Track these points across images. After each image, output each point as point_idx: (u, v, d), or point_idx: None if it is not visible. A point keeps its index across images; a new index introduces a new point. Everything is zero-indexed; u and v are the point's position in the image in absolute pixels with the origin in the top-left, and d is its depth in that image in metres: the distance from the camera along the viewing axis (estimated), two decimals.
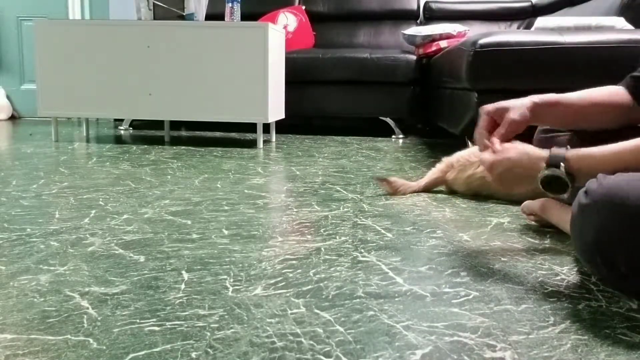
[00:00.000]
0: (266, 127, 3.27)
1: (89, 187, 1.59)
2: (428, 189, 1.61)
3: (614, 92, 1.00)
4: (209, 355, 0.62)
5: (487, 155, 0.94)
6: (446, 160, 1.60)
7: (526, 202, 1.25)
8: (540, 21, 2.08)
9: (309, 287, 0.83)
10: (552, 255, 1.01)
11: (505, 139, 0.95)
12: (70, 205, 1.35)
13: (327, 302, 0.78)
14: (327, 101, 3.29)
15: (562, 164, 0.85)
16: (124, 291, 0.80)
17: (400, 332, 0.68)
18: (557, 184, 0.87)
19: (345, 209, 1.36)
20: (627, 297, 0.81)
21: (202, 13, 2.77)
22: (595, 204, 0.77)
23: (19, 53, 4.39)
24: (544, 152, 0.89)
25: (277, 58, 2.73)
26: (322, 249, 1.03)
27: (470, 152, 1.56)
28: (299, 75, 3.24)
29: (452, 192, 1.59)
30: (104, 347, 0.63)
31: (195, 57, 2.55)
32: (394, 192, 1.57)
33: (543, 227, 1.21)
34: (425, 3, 3.90)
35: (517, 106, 0.95)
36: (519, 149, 0.92)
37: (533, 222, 1.24)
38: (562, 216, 1.16)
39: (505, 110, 0.96)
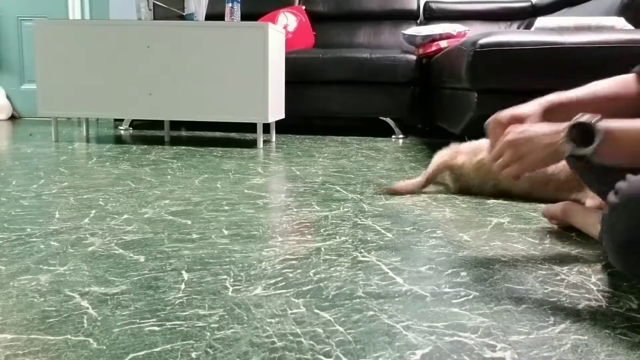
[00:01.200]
0: (266, 127, 3.28)
1: (89, 187, 1.59)
2: (435, 176, 1.58)
3: (623, 82, 0.98)
4: (209, 355, 0.62)
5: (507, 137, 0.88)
6: (453, 147, 1.57)
7: (547, 206, 1.24)
8: (540, 21, 2.08)
9: (309, 287, 0.83)
10: (552, 255, 1.01)
11: None
12: (70, 205, 1.35)
13: (327, 302, 0.78)
14: (327, 101, 3.29)
15: (595, 117, 0.80)
16: (124, 291, 0.80)
17: (400, 332, 0.68)
18: (586, 132, 0.79)
19: (345, 209, 1.36)
20: (627, 297, 0.81)
21: (202, 13, 2.77)
22: (627, 202, 0.74)
23: (19, 53, 4.39)
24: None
25: (277, 58, 2.73)
26: (322, 249, 1.03)
27: (481, 141, 1.54)
28: (299, 75, 3.24)
29: (451, 192, 1.59)
30: (104, 347, 0.63)
31: (195, 57, 2.55)
32: (406, 193, 1.56)
33: (565, 231, 1.19)
34: (425, 3, 3.90)
35: (531, 114, 0.93)
36: (534, 124, 0.87)
37: (555, 226, 1.22)
38: (586, 220, 1.13)
39: (520, 119, 0.92)
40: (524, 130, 0.86)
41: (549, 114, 0.94)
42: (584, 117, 0.80)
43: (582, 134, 0.80)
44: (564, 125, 0.83)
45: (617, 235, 0.77)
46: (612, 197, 0.78)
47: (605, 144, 0.79)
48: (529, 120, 0.92)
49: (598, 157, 0.80)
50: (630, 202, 0.75)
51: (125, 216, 1.25)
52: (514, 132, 0.87)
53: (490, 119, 0.96)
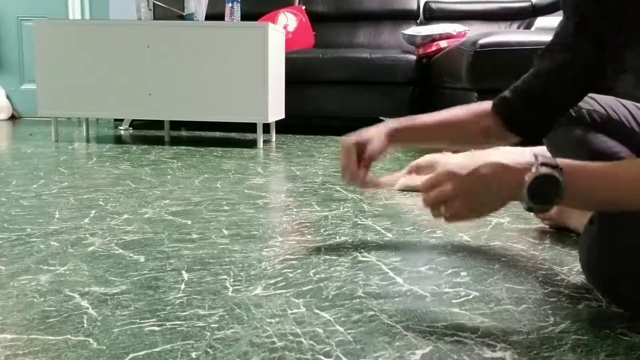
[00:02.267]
0: (266, 127, 3.27)
1: (89, 187, 1.59)
2: (419, 168, 1.59)
3: (478, 111, 0.96)
4: (209, 355, 0.62)
5: (449, 180, 0.74)
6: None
7: None
8: (540, 21, 2.08)
9: (309, 287, 0.83)
10: (552, 255, 1.01)
11: (365, 168, 0.94)
12: (70, 205, 1.35)
13: (327, 302, 0.78)
14: (327, 101, 3.29)
15: (557, 166, 0.68)
16: (124, 291, 0.80)
17: (400, 332, 0.68)
18: (549, 189, 0.68)
19: (345, 209, 1.36)
20: None
21: (202, 13, 2.77)
22: (610, 238, 0.71)
23: (19, 53, 4.39)
24: (523, 159, 0.71)
25: (277, 58, 2.73)
26: (322, 249, 1.03)
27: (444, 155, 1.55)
28: (299, 75, 3.24)
29: None
30: (104, 347, 0.63)
31: (195, 57, 2.55)
32: (390, 187, 1.57)
33: (565, 231, 1.17)
34: (425, 3, 3.90)
35: (376, 136, 0.93)
36: (488, 161, 0.73)
37: (547, 226, 1.21)
38: (582, 220, 1.10)
39: (365, 142, 0.93)
40: (472, 173, 0.72)
41: (398, 137, 0.95)
42: (545, 169, 0.68)
43: (543, 184, 0.69)
44: (518, 166, 0.70)
45: (599, 272, 0.74)
46: (591, 231, 0.74)
47: (566, 196, 0.68)
48: (374, 142, 0.92)
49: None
50: (613, 238, 0.71)
51: (125, 216, 1.25)
52: (459, 174, 0.73)
53: (342, 142, 0.94)
